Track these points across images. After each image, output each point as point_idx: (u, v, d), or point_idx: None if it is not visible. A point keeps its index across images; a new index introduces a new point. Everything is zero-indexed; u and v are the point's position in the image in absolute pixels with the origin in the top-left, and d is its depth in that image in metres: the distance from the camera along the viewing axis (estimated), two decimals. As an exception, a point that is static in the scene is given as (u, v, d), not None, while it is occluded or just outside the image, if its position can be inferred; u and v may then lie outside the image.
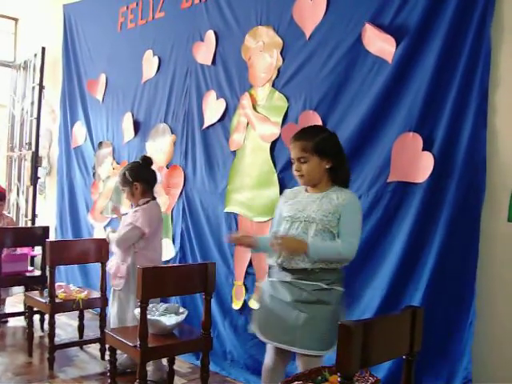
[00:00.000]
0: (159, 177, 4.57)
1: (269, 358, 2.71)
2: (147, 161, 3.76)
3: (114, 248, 3.69)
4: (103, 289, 4.02)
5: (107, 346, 3.20)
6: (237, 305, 3.88)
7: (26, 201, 6.67)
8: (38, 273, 4.83)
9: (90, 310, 4.85)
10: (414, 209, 2.91)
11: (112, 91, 5.40)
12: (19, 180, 6.93)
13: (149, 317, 2.97)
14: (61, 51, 6.17)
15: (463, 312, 2.74)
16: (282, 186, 3.56)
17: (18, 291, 5.02)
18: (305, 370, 2.34)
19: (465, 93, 2.75)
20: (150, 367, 3.35)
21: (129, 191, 3.68)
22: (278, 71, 3.69)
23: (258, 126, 3.80)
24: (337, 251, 2.49)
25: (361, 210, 2.63)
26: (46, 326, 4.34)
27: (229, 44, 4.09)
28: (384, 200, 3.05)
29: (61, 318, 4.78)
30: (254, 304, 3.73)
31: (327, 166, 2.59)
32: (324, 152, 2.57)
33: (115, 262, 3.66)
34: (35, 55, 6.44)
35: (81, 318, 4.34)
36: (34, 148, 6.40)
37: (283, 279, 2.59)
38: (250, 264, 3.81)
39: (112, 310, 3.68)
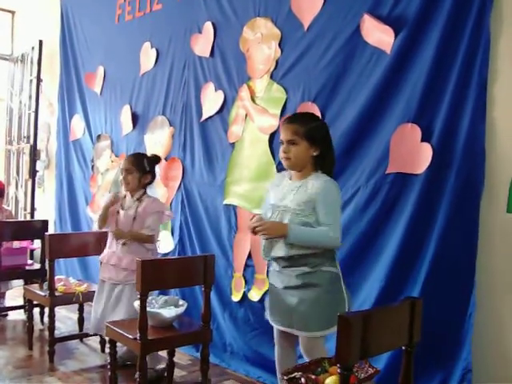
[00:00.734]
0: (158, 169, 4.58)
1: (276, 341, 2.79)
2: (158, 159, 3.78)
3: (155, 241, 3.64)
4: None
5: (107, 338, 3.21)
6: (236, 297, 3.88)
7: (25, 194, 6.67)
8: (37, 266, 4.85)
9: (90, 302, 4.86)
10: (413, 200, 2.91)
11: (110, 84, 5.38)
12: (18, 173, 6.93)
13: (148, 309, 2.97)
14: (58, 44, 6.16)
15: (462, 303, 2.74)
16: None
17: (17, 284, 5.02)
18: (304, 362, 2.34)
19: (464, 84, 2.75)
20: (149, 359, 3.35)
21: (137, 177, 3.60)
22: (277, 63, 3.68)
23: (257, 118, 3.80)
24: (325, 237, 2.51)
25: (338, 195, 2.61)
26: (45, 319, 4.35)
27: (227, 36, 4.07)
28: (383, 191, 3.05)
29: (61, 311, 4.79)
30: (253, 296, 3.75)
31: (314, 154, 2.61)
32: (314, 139, 2.59)
33: (131, 257, 3.49)
34: (32, 48, 6.42)
35: (80, 310, 4.35)
36: (32, 141, 6.39)
37: (275, 268, 2.70)
38: (250, 256, 3.82)
39: (120, 306, 3.56)
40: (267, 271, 3.64)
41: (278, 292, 2.67)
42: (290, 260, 2.58)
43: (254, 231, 2.56)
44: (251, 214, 3.74)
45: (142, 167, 3.62)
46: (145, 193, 3.67)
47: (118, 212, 3.64)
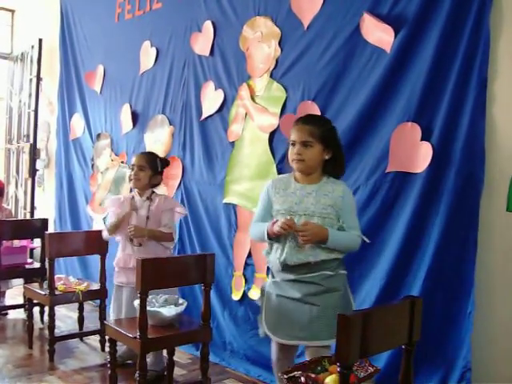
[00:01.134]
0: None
1: (275, 356, 2.68)
2: (168, 163, 3.78)
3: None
4: (103, 280, 4.03)
5: (107, 337, 3.21)
6: (236, 295, 3.88)
7: (25, 193, 6.68)
8: (37, 265, 4.85)
9: (90, 301, 4.87)
10: (413, 199, 2.91)
11: (110, 82, 5.38)
12: (17, 172, 6.93)
13: (148, 308, 2.97)
14: (58, 43, 6.16)
15: (462, 302, 2.75)
16: (281, 177, 3.56)
17: (17, 284, 5.02)
18: (304, 360, 2.34)
19: (463, 83, 2.75)
20: (149, 358, 3.35)
21: (149, 175, 3.56)
22: (277, 62, 3.68)
23: (257, 117, 3.80)
24: (355, 242, 2.54)
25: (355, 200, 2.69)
26: (45, 318, 4.34)
27: (227, 34, 4.07)
28: (383, 190, 3.05)
29: (60, 310, 4.79)
30: (253, 295, 3.74)
31: (327, 157, 2.56)
32: (328, 142, 2.54)
33: (150, 257, 3.37)
34: (32, 47, 6.42)
35: (80, 309, 4.35)
36: (32, 140, 6.40)
37: (287, 278, 2.54)
38: (250, 255, 3.82)
39: (125, 308, 3.55)
40: (266, 273, 3.66)
41: (292, 303, 2.52)
42: (312, 266, 2.49)
43: (300, 236, 2.42)
44: (251, 213, 3.74)
45: (154, 166, 3.59)
46: (153, 192, 3.63)
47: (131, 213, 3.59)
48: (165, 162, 3.71)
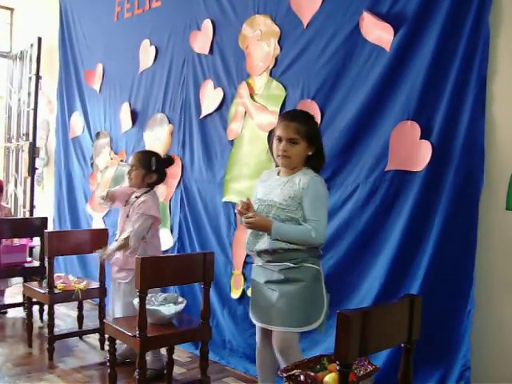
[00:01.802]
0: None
1: (258, 339, 2.82)
2: (171, 161, 3.74)
3: (132, 245, 3.51)
4: (102, 279, 4.02)
5: (106, 336, 3.21)
6: (235, 294, 3.88)
7: (24, 192, 6.67)
8: (36, 263, 4.85)
9: (89, 300, 4.87)
10: (412, 197, 2.91)
11: (109, 81, 5.38)
12: (17, 171, 6.93)
13: (148, 306, 2.97)
14: (57, 41, 6.15)
15: (461, 300, 2.74)
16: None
17: (16, 282, 5.03)
18: (303, 359, 2.35)
19: (463, 81, 2.75)
20: (148, 356, 3.36)
21: (142, 174, 3.55)
22: (276, 60, 3.68)
23: (256, 115, 3.79)
24: (306, 235, 2.54)
25: (325, 191, 2.66)
26: (45, 316, 4.35)
27: (226, 33, 4.07)
28: (382, 189, 3.05)
29: (60, 309, 4.79)
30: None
31: (310, 153, 2.65)
32: (312, 139, 2.63)
33: (120, 254, 3.54)
34: (31, 45, 6.41)
35: (80, 308, 4.35)
36: (31, 139, 6.39)
37: (257, 263, 2.74)
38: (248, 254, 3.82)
39: (116, 304, 3.59)
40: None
41: (259, 287, 2.70)
42: (275, 254, 2.61)
43: (244, 220, 2.60)
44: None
45: (147, 165, 3.56)
46: (148, 191, 3.60)
47: (123, 206, 3.66)
48: (165, 161, 3.69)
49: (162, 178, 3.69)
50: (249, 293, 3.75)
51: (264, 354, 2.80)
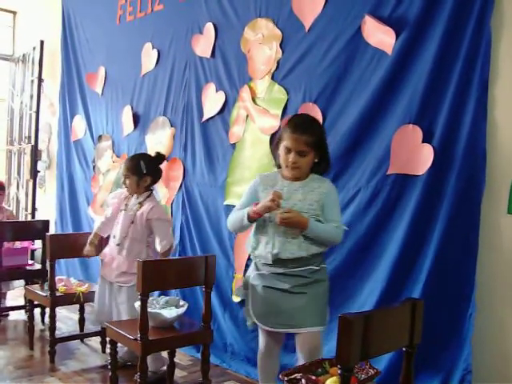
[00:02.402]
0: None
1: (263, 345, 2.78)
2: (161, 158, 3.73)
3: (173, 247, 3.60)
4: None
5: (108, 339, 3.21)
6: (237, 297, 3.88)
7: (26, 194, 6.68)
8: (38, 266, 4.84)
9: (91, 303, 4.86)
10: (414, 201, 2.91)
11: (111, 84, 5.39)
12: (19, 174, 6.94)
13: (149, 310, 2.97)
14: (59, 44, 6.17)
15: (463, 304, 2.74)
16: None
17: (19, 285, 5.03)
18: (305, 362, 2.34)
19: (465, 85, 2.75)
20: (149, 360, 3.35)
21: (136, 181, 3.56)
22: (278, 64, 3.68)
23: (258, 119, 3.80)
24: (332, 232, 2.62)
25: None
26: (46, 319, 4.35)
27: (228, 36, 4.07)
28: (384, 192, 3.05)
29: (61, 312, 4.79)
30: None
31: (316, 160, 2.67)
32: (319, 148, 2.64)
33: (122, 258, 3.53)
34: (34, 48, 6.43)
35: (81, 311, 4.35)
36: (33, 142, 6.40)
37: (275, 271, 2.64)
38: (250, 257, 3.81)
39: (121, 308, 3.54)
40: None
41: (282, 293, 2.61)
42: (302, 260, 2.60)
43: (279, 215, 2.52)
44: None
45: (138, 171, 3.56)
46: (150, 195, 3.62)
47: (121, 211, 3.63)
48: (155, 160, 3.67)
49: (157, 177, 3.69)
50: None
51: (268, 361, 2.79)
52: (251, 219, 2.65)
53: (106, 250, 3.69)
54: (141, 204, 3.57)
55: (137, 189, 3.60)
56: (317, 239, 2.59)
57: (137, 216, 3.54)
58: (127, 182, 3.59)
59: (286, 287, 2.61)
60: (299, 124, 2.67)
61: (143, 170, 3.57)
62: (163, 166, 4.46)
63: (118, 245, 3.57)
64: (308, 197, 2.62)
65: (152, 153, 3.82)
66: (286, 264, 2.61)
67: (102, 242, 3.82)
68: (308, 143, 2.58)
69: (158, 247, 3.49)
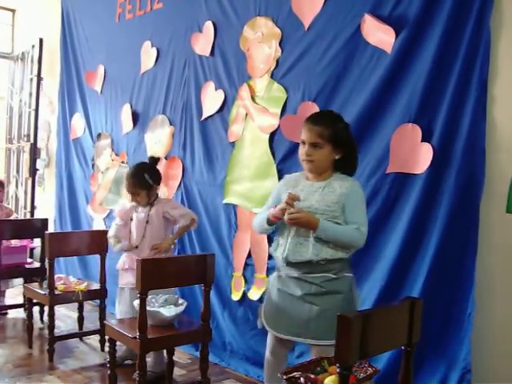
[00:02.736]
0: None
1: (269, 351, 2.69)
2: (157, 161, 3.73)
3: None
4: (103, 280, 4.02)
5: (107, 337, 3.21)
6: (236, 296, 3.88)
7: (25, 193, 6.68)
8: (37, 265, 4.85)
9: (90, 301, 4.87)
10: (413, 200, 2.91)
11: (110, 82, 5.38)
12: (18, 172, 6.94)
13: (148, 308, 2.97)
14: (59, 42, 6.17)
15: (462, 303, 2.74)
16: (281, 177, 3.54)
17: (18, 284, 5.03)
18: (304, 361, 2.34)
19: (464, 84, 2.75)
20: (149, 358, 3.35)
21: (146, 194, 3.56)
22: (277, 62, 3.68)
23: (257, 117, 3.80)
24: (350, 234, 2.46)
25: (364, 196, 2.60)
26: (45, 317, 4.35)
27: (227, 35, 4.07)
28: (383, 191, 3.05)
29: (60, 310, 4.79)
30: (253, 295, 3.75)
31: (337, 157, 2.54)
32: (338, 142, 2.51)
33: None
34: (33, 46, 6.43)
35: (80, 309, 4.35)
36: (32, 140, 6.40)
37: (291, 274, 2.55)
38: (249, 255, 3.82)
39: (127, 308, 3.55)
40: (266, 274, 3.66)
41: (293, 300, 2.53)
42: (315, 265, 2.47)
43: (289, 217, 2.44)
44: (251, 213, 3.75)
45: (146, 184, 3.56)
46: (156, 197, 3.66)
47: (132, 218, 3.63)
48: (152, 167, 3.67)
49: (160, 181, 3.71)
50: (249, 295, 3.76)
51: (275, 365, 2.66)
52: (270, 222, 2.59)
53: (123, 259, 3.66)
54: (152, 205, 3.60)
55: (149, 200, 3.61)
56: (330, 241, 2.45)
57: (151, 215, 3.57)
58: (138, 198, 3.58)
59: (298, 294, 2.51)
60: (315, 116, 2.63)
61: (150, 182, 3.57)
62: (162, 164, 4.49)
63: (136, 247, 3.58)
64: (326, 198, 2.49)
65: (151, 152, 3.82)
66: (299, 268, 2.50)
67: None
68: (322, 135, 2.48)
69: (181, 221, 3.60)
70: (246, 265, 3.83)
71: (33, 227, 4.81)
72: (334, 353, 2.33)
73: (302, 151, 2.55)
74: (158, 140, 4.71)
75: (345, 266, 2.53)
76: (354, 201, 2.50)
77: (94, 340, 4.18)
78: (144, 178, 3.55)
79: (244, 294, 3.83)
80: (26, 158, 6.62)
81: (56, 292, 3.86)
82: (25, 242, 5.00)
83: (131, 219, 3.65)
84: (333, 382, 2.05)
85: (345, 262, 2.53)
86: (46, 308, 4.07)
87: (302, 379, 2.10)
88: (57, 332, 4.01)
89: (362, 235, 2.49)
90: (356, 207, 2.51)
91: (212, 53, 4.18)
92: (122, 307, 3.64)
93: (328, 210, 2.47)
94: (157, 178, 3.65)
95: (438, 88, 2.84)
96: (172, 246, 3.70)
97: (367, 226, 2.52)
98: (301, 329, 2.49)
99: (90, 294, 4.07)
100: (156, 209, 3.58)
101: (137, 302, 2.94)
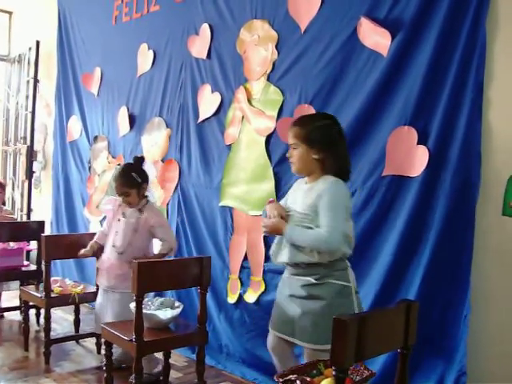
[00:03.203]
0: (155, 171, 4.58)
1: (273, 353, 2.69)
2: (142, 160, 3.71)
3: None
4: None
5: (103, 340, 3.20)
6: (232, 298, 3.88)
7: (22, 195, 6.67)
8: (33, 267, 4.83)
9: (86, 304, 4.86)
10: (409, 202, 2.91)
11: (107, 85, 5.38)
12: (14, 174, 6.93)
13: (144, 311, 2.97)
14: (55, 45, 6.15)
15: (458, 305, 2.75)
16: (278, 180, 3.57)
17: (15, 287, 5.01)
18: (300, 364, 2.34)
19: (460, 86, 2.75)
20: (145, 361, 3.34)
21: (136, 193, 3.55)
22: (273, 65, 3.68)
23: (253, 120, 3.80)
24: (315, 239, 2.40)
25: (344, 197, 2.49)
26: (41, 320, 4.33)
27: (224, 38, 4.07)
28: (379, 194, 3.05)
29: (57, 313, 4.79)
30: (249, 298, 3.75)
31: (315, 157, 2.50)
32: (312, 142, 2.49)
33: (124, 264, 3.49)
34: (30, 49, 6.42)
35: (76, 312, 4.35)
36: (29, 142, 6.39)
37: (285, 275, 2.64)
38: (245, 258, 3.82)
39: (109, 310, 3.56)
40: (262, 277, 3.69)
41: (283, 299, 2.59)
42: (297, 268, 2.51)
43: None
44: (248, 216, 3.75)
45: (135, 183, 3.54)
46: (148, 202, 3.63)
47: (119, 220, 3.61)
48: (140, 165, 3.66)
49: (147, 179, 3.68)
50: (246, 298, 3.76)
51: (282, 361, 2.63)
52: None
53: (104, 258, 3.65)
54: (141, 211, 3.57)
55: (139, 200, 3.59)
56: (300, 246, 2.45)
57: (140, 223, 3.54)
58: (129, 199, 3.56)
59: (286, 293, 2.57)
60: (297, 118, 2.68)
61: (139, 180, 3.56)
62: (159, 166, 4.49)
63: (120, 253, 3.54)
64: (305, 200, 2.49)
65: (148, 154, 3.81)
66: (287, 268, 2.60)
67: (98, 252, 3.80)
68: (297, 135, 2.52)
69: (159, 247, 3.52)
70: (243, 267, 3.83)
71: (29, 230, 4.81)
72: (323, 357, 2.35)
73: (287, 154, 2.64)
74: (154, 142, 4.71)
75: (329, 272, 2.46)
76: (325, 203, 2.42)
77: (91, 343, 4.18)
78: (132, 177, 3.54)
79: (240, 297, 3.82)
80: (22, 160, 6.61)
81: (52, 295, 3.86)
82: (21, 244, 4.99)
83: (118, 220, 3.62)
84: (329, 384, 2.05)
85: (328, 268, 2.46)
86: (43, 311, 4.06)
87: (297, 382, 2.10)
88: (53, 335, 4.01)
89: (330, 238, 2.37)
90: (327, 209, 2.41)
91: (208, 55, 4.19)
92: (96, 305, 3.70)
93: (302, 214, 2.48)
94: (144, 176, 3.62)
95: (434, 90, 2.85)
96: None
97: (341, 228, 2.40)
98: (288, 328, 2.54)
99: (86, 297, 4.07)
100: (145, 218, 3.53)
101: (133, 305, 2.94)
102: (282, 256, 2.55)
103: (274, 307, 2.69)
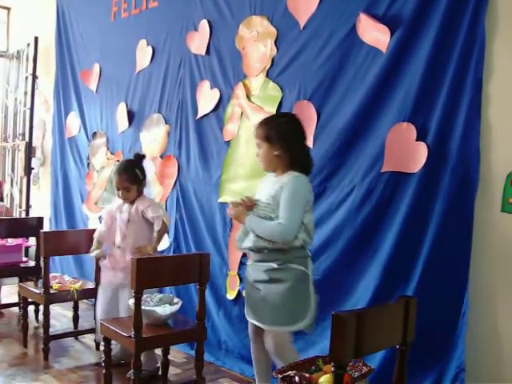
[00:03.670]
0: (154, 167, 4.58)
1: (251, 339, 2.90)
2: (143, 157, 3.73)
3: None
4: (98, 279, 4.01)
5: (102, 336, 3.20)
6: (231, 295, 3.88)
7: (20, 191, 6.66)
8: (32, 263, 4.83)
9: (85, 300, 4.86)
10: (408, 199, 2.92)
11: (106, 81, 5.37)
12: (13, 171, 6.91)
13: (143, 307, 2.97)
14: (54, 41, 6.14)
15: (456, 302, 2.75)
16: (277, 177, 3.57)
17: (11, 282, 5.01)
18: (298, 360, 2.35)
19: (459, 83, 2.75)
20: (143, 357, 3.35)
21: (137, 189, 3.57)
22: (272, 61, 3.68)
23: (252, 116, 3.79)
24: (270, 230, 2.60)
25: (303, 191, 2.66)
26: (40, 316, 4.33)
27: (223, 34, 4.07)
28: (378, 190, 3.05)
29: (55, 309, 4.79)
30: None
31: (276, 153, 2.69)
32: (271, 139, 2.69)
33: (127, 258, 3.45)
34: (28, 45, 6.40)
35: (75, 308, 4.35)
36: (27, 138, 6.38)
37: (249, 262, 2.83)
38: (244, 254, 3.81)
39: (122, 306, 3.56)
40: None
41: (248, 286, 2.80)
42: (261, 254, 2.69)
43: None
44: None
45: (137, 179, 3.58)
46: (139, 195, 3.63)
47: (116, 218, 3.63)
48: (140, 164, 3.67)
49: (145, 177, 3.70)
50: (244, 294, 3.76)
51: (256, 349, 2.88)
52: None
53: (117, 258, 3.63)
54: (132, 203, 3.59)
55: (137, 196, 3.60)
56: (257, 234, 2.65)
57: (132, 213, 3.56)
58: (129, 194, 3.57)
59: (251, 279, 2.77)
60: (259, 121, 2.86)
61: (140, 176, 3.60)
62: (157, 162, 4.49)
63: (118, 247, 3.57)
64: (269, 191, 2.69)
65: (147, 151, 3.80)
66: (251, 255, 2.78)
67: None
68: (258, 135, 2.74)
69: (155, 227, 3.53)
70: (241, 263, 3.83)
71: (28, 226, 4.80)
72: (285, 339, 2.65)
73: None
74: (153, 139, 4.70)
75: (291, 258, 2.65)
76: (284, 195, 2.62)
77: (89, 339, 4.18)
78: (136, 173, 3.58)
79: (239, 293, 3.82)
80: (21, 156, 6.60)
81: (51, 291, 3.86)
82: (20, 240, 4.99)
83: (116, 219, 3.64)
84: (327, 380, 2.05)
85: (289, 254, 2.65)
86: (41, 307, 4.06)
87: (296, 378, 2.11)
88: (52, 331, 4.00)
89: (285, 230, 2.57)
90: (285, 202, 2.61)
91: (207, 51, 4.18)
92: (102, 306, 3.67)
93: (265, 203, 2.70)
94: (144, 173, 3.67)
95: (433, 87, 2.85)
96: (152, 252, 3.53)
97: (295, 221, 2.59)
98: (253, 312, 2.74)
99: (85, 293, 4.07)
100: (136, 207, 3.56)
101: (132, 301, 2.94)
102: (247, 242, 2.72)
103: (245, 294, 2.86)
